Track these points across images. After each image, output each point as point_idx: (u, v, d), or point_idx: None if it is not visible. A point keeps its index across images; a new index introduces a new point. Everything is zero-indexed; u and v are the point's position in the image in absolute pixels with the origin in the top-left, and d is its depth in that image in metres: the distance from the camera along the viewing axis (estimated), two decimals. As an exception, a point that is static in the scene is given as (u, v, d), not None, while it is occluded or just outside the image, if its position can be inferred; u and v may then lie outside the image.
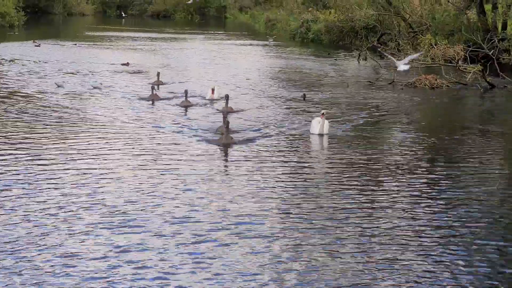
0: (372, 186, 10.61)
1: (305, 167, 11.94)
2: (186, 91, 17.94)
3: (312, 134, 14.52)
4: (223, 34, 59.20)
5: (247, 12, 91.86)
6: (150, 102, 18.33)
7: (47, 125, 14.96)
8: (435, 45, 26.09)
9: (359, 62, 33.44)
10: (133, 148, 12.84)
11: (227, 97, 17.04)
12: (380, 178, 11.08)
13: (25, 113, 16.35)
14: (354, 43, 40.25)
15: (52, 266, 7.09)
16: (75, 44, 39.72)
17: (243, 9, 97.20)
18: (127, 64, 28.45)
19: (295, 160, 12.50)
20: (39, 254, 7.37)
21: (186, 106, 17.62)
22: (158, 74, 21.82)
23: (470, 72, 24.08)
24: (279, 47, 43.66)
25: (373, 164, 12.11)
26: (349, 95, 21.48)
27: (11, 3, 57.41)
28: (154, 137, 13.96)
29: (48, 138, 13.48)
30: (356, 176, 11.14)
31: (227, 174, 11.32)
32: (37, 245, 7.63)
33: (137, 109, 17.56)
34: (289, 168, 11.79)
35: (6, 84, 21.93)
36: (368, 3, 40.57)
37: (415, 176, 11.26)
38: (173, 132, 14.58)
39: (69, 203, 9.18)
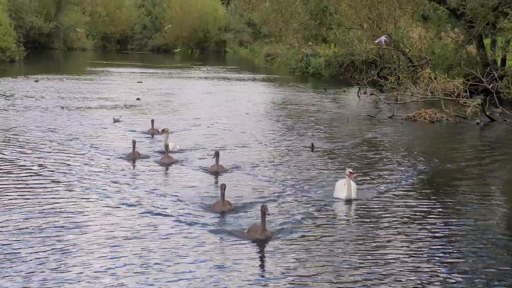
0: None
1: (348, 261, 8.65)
2: (166, 146, 15.35)
3: (337, 198, 11.90)
4: (222, 69, 59.41)
5: (247, 47, 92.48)
6: (131, 161, 15.26)
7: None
8: (435, 79, 26.07)
9: (359, 97, 33.41)
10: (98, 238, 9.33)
11: (217, 154, 14.05)
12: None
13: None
14: (354, 77, 40.28)
15: None
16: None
17: (242, 44, 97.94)
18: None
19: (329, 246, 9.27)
20: None
21: (168, 163, 14.91)
22: (153, 121, 19.95)
23: (470, 106, 24.02)
24: (279, 82, 43.73)
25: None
26: (353, 134, 20.66)
27: (11, 38, 57.83)
28: (129, 222, 10.21)
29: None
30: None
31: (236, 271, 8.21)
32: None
33: (112, 173, 13.88)
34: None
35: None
36: (368, 38, 40.68)
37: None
38: (155, 210, 10.91)
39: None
